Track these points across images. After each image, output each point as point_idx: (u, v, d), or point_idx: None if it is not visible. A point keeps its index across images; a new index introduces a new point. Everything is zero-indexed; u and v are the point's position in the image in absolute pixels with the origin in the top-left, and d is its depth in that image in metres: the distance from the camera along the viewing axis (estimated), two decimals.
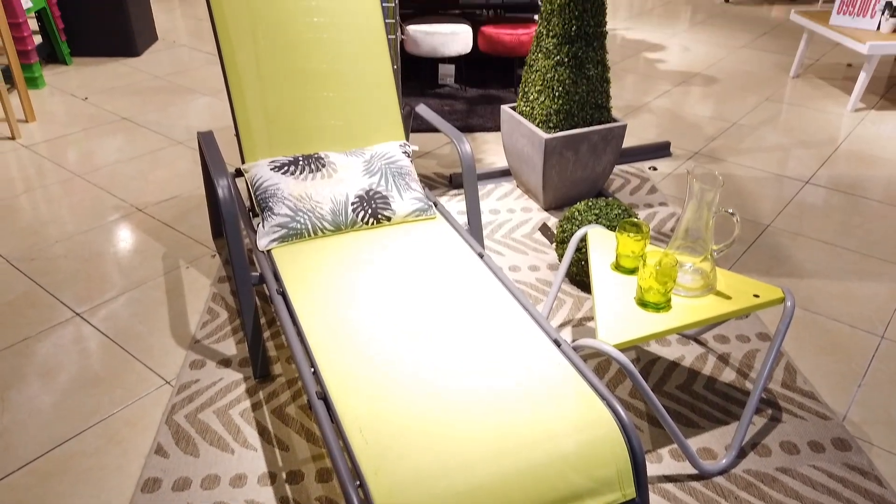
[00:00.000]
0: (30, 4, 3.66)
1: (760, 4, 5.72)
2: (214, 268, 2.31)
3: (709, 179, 1.51)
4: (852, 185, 2.92)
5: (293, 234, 1.84)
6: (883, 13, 3.56)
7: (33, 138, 3.20)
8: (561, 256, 2.28)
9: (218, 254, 2.39)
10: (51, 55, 4.10)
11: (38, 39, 4.23)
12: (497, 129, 3.38)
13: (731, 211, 1.57)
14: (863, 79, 3.57)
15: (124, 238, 2.48)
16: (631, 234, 1.62)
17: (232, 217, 1.68)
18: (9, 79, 3.71)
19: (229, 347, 1.96)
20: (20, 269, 2.29)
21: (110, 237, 2.48)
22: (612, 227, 2.17)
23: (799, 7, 5.64)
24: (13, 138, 3.18)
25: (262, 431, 1.69)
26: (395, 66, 2.81)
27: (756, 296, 1.60)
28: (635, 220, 1.64)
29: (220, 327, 2.04)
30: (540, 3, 3.87)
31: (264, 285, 2.19)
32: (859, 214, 2.70)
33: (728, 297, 1.59)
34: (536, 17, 3.83)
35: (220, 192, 1.68)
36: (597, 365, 1.92)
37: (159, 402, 1.78)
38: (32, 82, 3.71)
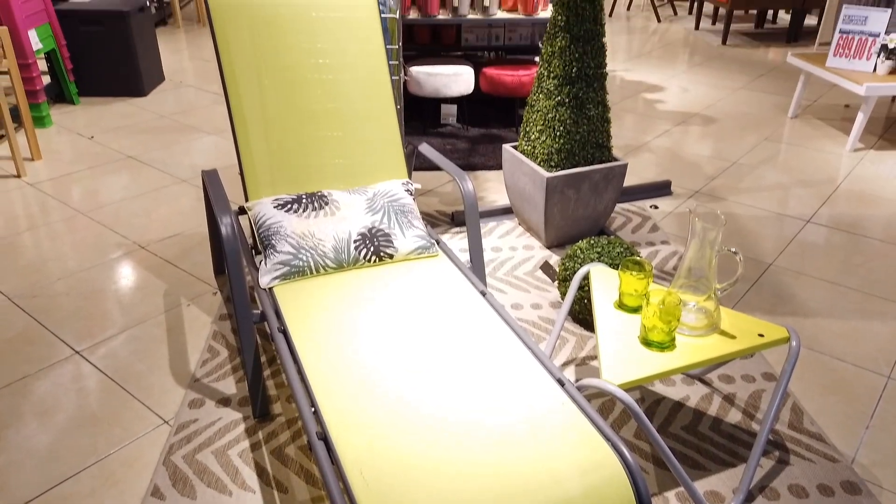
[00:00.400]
0: (40, 46, 3.73)
1: (757, 47, 5.82)
2: (216, 305, 2.30)
3: (711, 218, 1.52)
4: (853, 224, 2.92)
5: (295, 272, 1.84)
6: (879, 55, 3.62)
7: (38, 176, 3.22)
8: (563, 295, 2.28)
9: (219, 291, 2.38)
10: (59, 95, 4.16)
11: (46, 80, 4.30)
12: (498, 167, 3.41)
13: (733, 250, 1.57)
14: (861, 119, 3.61)
15: (126, 275, 2.47)
16: (634, 273, 1.62)
17: (234, 254, 1.68)
18: (16, 118, 3.76)
19: (229, 386, 1.94)
20: (21, 307, 2.29)
21: (112, 274, 2.48)
22: (614, 266, 2.17)
23: (795, 50, 5.73)
24: (18, 176, 3.20)
25: (261, 473, 1.66)
26: (399, 106, 2.84)
27: (761, 335, 1.58)
28: (638, 258, 1.64)
29: (220, 366, 2.02)
30: (540, 45, 3.94)
31: (265, 323, 2.18)
32: (861, 253, 2.70)
33: (732, 337, 1.58)
34: (537, 58, 3.90)
35: (223, 229, 1.69)
36: (601, 405, 1.90)
37: (157, 442, 1.76)
38: (40, 121, 3.76)
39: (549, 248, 2.69)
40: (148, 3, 4.38)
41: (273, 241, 1.87)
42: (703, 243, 1.54)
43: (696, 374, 2.01)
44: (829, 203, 3.11)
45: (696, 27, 6.37)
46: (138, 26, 4.22)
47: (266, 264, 1.85)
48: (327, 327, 1.65)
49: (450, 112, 3.90)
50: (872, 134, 3.93)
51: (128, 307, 2.30)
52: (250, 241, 2.30)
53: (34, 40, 3.67)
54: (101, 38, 4.13)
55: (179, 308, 2.29)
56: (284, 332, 1.65)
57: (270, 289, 1.82)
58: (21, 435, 1.77)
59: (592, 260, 2.18)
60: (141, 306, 2.30)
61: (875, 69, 3.66)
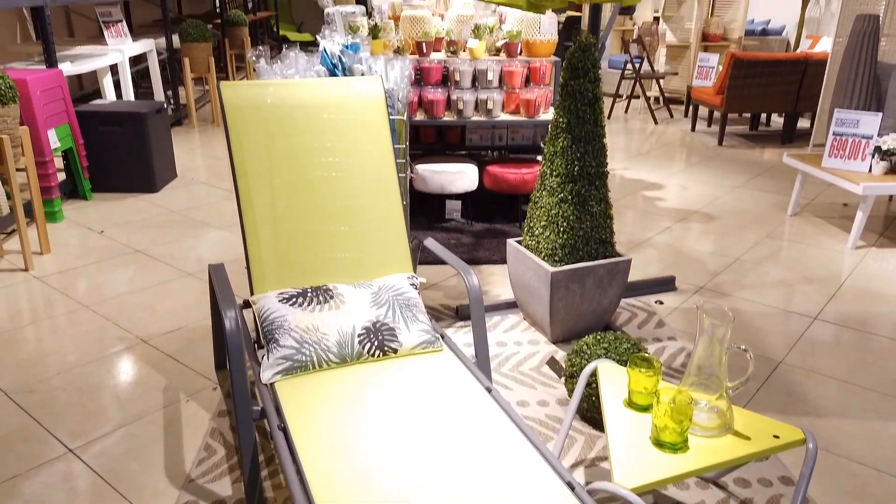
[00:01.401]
0: (58, 144, 3.86)
1: (752, 148, 5.99)
2: (215, 401, 2.26)
3: (719, 315, 1.50)
4: (861, 322, 2.90)
5: (298, 367, 1.81)
6: (873, 157, 3.71)
7: (46, 270, 3.25)
8: (570, 391, 2.23)
9: (220, 386, 2.34)
10: (72, 191, 4.26)
11: (62, 176, 4.42)
12: (503, 261, 3.43)
13: (743, 347, 1.55)
14: (860, 218, 3.65)
15: (125, 370, 2.44)
16: (643, 370, 1.59)
17: (237, 349, 1.66)
18: (29, 212, 3.84)
19: (224, 487, 1.87)
20: (17, 402, 2.24)
21: (111, 369, 2.44)
22: (621, 362, 2.13)
23: (790, 150, 5.90)
24: (26, 270, 3.23)
25: None
26: (405, 202, 2.90)
27: (776, 436, 1.53)
28: (646, 355, 1.62)
29: (217, 465, 1.95)
30: (542, 145, 4.06)
31: (265, 420, 2.12)
32: (872, 352, 2.66)
33: (747, 438, 1.53)
34: (539, 157, 4.01)
35: (227, 323, 1.68)
36: None
37: None
38: (52, 216, 3.83)
39: (554, 343, 2.66)
40: (165, 104, 4.57)
41: (276, 335, 1.85)
42: (711, 340, 1.52)
43: (711, 477, 1.93)
44: (835, 300, 3.10)
45: (693, 129, 6.59)
46: (155, 127, 4.38)
47: (268, 359, 1.82)
48: (329, 426, 1.60)
49: (454, 208, 3.97)
50: (873, 232, 3.97)
51: (125, 403, 2.25)
52: (253, 335, 2.28)
53: (53, 139, 3.80)
54: (118, 137, 4.27)
55: (178, 404, 2.24)
56: (284, 430, 1.60)
57: (272, 384, 1.79)
58: None
59: (599, 356, 2.15)
60: (139, 402, 2.25)
61: (870, 170, 3.74)
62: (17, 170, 3.22)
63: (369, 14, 4.12)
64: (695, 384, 1.55)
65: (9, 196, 3.14)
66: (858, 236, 3.71)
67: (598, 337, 2.22)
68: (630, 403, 1.63)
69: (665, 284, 3.18)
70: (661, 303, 3.04)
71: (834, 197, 4.63)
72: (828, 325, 2.86)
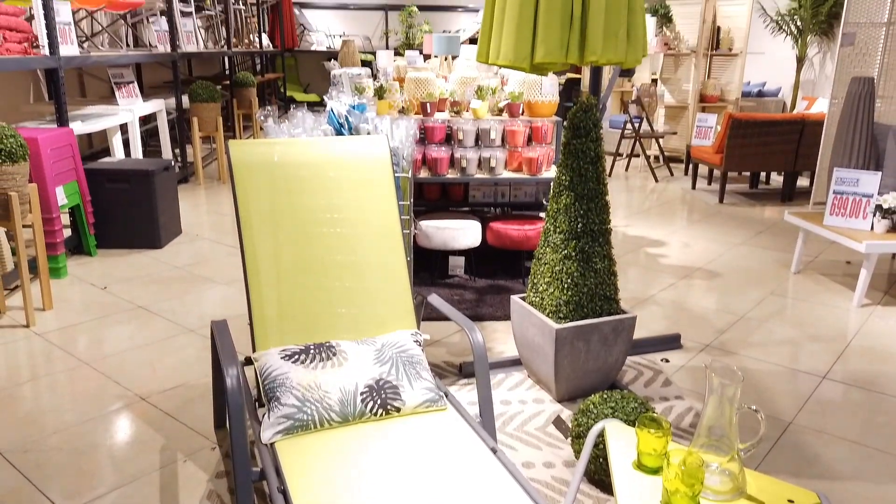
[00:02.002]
0: (65, 201, 3.90)
1: (753, 206, 6.04)
2: (213, 462, 2.20)
3: (728, 374, 1.48)
4: (870, 382, 2.85)
5: (299, 426, 1.78)
6: (874, 215, 3.73)
7: (47, 326, 3.23)
8: (577, 452, 2.18)
9: (218, 446, 2.29)
10: (77, 247, 4.28)
11: (67, 232, 4.45)
12: (506, 318, 3.40)
13: (753, 408, 1.52)
14: (864, 276, 3.65)
15: (123, 429, 2.40)
16: (651, 431, 1.55)
17: (237, 408, 1.64)
18: (33, 268, 3.84)
19: None
20: (12, 462, 2.19)
21: (109, 428, 2.40)
22: (628, 422, 2.09)
23: (791, 208, 5.94)
24: (27, 326, 3.21)
25: None
26: (408, 258, 2.90)
27: (790, 501, 1.49)
28: (654, 415, 1.58)
29: None
30: (544, 202, 4.10)
31: (264, 482, 2.07)
32: (883, 413, 2.61)
33: (760, 502, 1.48)
34: (541, 214, 4.03)
35: (228, 381, 1.65)
36: None
37: None
38: (56, 272, 3.84)
39: (560, 401, 2.62)
40: (173, 162, 4.64)
41: (278, 394, 1.82)
42: (721, 400, 1.49)
43: None
44: (842, 359, 3.06)
45: (693, 187, 6.65)
46: (161, 184, 4.44)
47: (269, 418, 1.79)
48: (329, 488, 1.56)
49: (458, 264, 3.97)
50: (877, 290, 3.96)
51: (121, 463, 2.20)
52: (254, 392, 2.25)
53: (61, 196, 3.84)
54: (125, 194, 4.32)
55: (175, 464, 2.19)
56: (284, 493, 1.56)
57: (272, 444, 1.75)
58: None
59: (606, 415, 2.11)
60: (135, 462, 2.20)
61: (872, 228, 3.76)
62: (24, 226, 3.24)
63: (375, 76, 4.22)
64: (705, 446, 1.51)
65: (14, 252, 3.16)
66: (863, 294, 3.69)
67: (605, 396, 2.18)
68: (639, 465, 1.59)
69: (671, 342, 3.15)
70: (668, 361, 3.00)
71: (836, 255, 4.63)
72: (837, 385, 2.82)
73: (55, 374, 2.77)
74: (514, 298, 2.78)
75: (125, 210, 4.35)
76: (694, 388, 2.76)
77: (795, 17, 7.40)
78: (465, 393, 2.66)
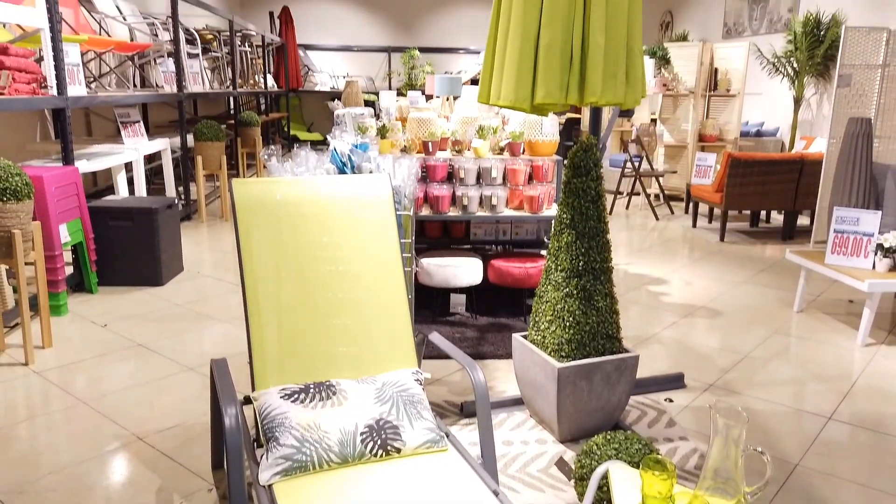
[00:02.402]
0: (68, 239, 3.91)
1: (754, 244, 6.04)
2: (210, 503, 2.17)
3: (733, 415, 1.46)
4: (877, 423, 2.82)
5: (298, 467, 1.75)
6: (876, 254, 3.73)
7: (46, 364, 3.21)
8: (580, 494, 2.14)
9: (216, 487, 2.25)
10: (79, 284, 4.28)
11: (69, 269, 4.45)
12: (508, 356, 3.38)
13: (759, 449, 1.50)
14: (867, 315, 3.63)
15: (119, 470, 2.36)
16: (656, 473, 1.53)
17: (236, 448, 1.61)
18: (34, 306, 3.84)
19: None
20: None
21: (105, 469, 2.36)
22: (633, 463, 2.06)
23: (792, 246, 5.94)
24: (26, 364, 3.19)
25: None
26: (410, 296, 2.89)
27: None
28: (659, 456, 1.56)
29: None
30: (546, 240, 4.11)
31: None
32: (891, 454, 2.57)
33: None
34: (543, 252, 4.04)
35: (226, 420, 1.64)
36: None
37: None
38: (56, 310, 3.83)
39: (562, 442, 2.58)
40: (176, 200, 4.67)
41: (277, 434, 1.80)
42: (726, 441, 1.47)
43: None
44: (848, 399, 3.02)
45: (694, 225, 6.67)
46: (164, 222, 4.46)
47: (267, 458, 1.76)
48: None
49: (459, 301, 3.96)
50: (881, 329, 3.93)
51: None
52: (253, 432, 2.22)
53: (64, 234, 3.86)
54: (127, 232, 4.34)
55: None
56: None
57: (270, 486, 1.72)
58: None
59: (610, 457, 2.07)
60: None
61: (874, 267, 3.75)
62: (26, 263, 3.25)
63: (377, 116, 4.28)
64: (711, 488, 1.49)
65: (15, 290, 3.16)
66: (867, 333, 3.67)
67: (609, 437, 2.15)
68: None
69: (674, 381, 3.12)
70: (671, 400, 2.97)
71: (839, 293, 4.62)
72: (843, 426, 2.78)
73: (52, 414, 2.74)
74: (516, 337, 2.76)
75: (127, 247, 4.36)
76: (698, 428, 2.72)
77: (792, 58, 7.52)
78: (467, 433, 2.63)
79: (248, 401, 2.12)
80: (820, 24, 7.33)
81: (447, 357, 3.37)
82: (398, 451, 1.84)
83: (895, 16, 6.66)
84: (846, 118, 4.92)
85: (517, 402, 2.87)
